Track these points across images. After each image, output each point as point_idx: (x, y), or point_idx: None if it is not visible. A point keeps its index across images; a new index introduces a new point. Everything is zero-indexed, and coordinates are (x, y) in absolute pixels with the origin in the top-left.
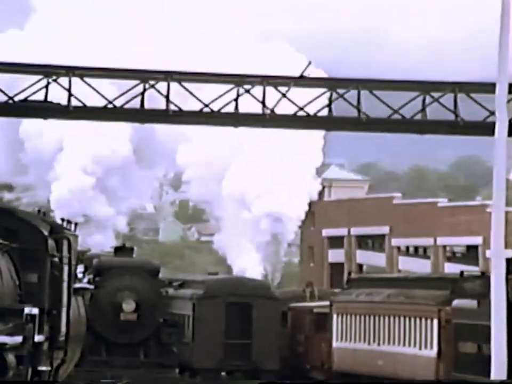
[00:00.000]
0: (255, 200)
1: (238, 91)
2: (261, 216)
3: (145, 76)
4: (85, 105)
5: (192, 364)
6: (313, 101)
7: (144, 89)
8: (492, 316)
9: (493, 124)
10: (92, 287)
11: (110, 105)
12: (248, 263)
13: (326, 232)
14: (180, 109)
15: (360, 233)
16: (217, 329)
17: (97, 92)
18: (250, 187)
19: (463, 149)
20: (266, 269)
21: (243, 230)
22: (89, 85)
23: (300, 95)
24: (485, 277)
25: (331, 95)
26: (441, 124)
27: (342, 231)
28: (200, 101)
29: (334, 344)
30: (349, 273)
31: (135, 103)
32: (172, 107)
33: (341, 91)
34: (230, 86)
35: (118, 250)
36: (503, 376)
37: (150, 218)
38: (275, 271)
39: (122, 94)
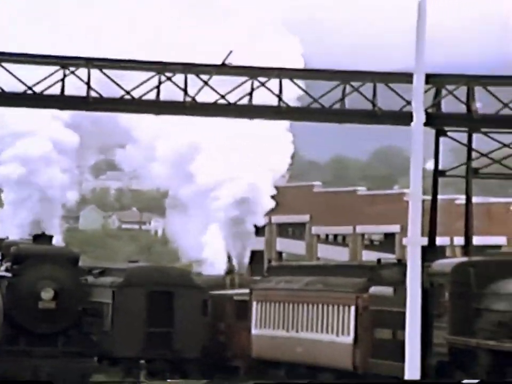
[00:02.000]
0: (219, 185)
1: (159, 78)
2: (226, 201)
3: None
4: (102, 96)
5: (112, 352)
6: (235, 89)
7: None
8: (407, 303)
9: (410, 113)
10: (9, 275)
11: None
12: (210, 251)
13: None
14: (100, 95)
15: (281, 222)
16: (138, 318)
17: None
18: (215, 172)
19: (383, 139)
20: (231, 255)
21: (206, 216)
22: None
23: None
24: (401, 264)
25: (252, 84)
26: (359, 113)
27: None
28: (121, 88)
29: (253, 331)
30: (269, 261)
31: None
32: (93, 94)
33: (263, 80)
34: (151, 74)
35: (37, 238)
36: (417, 362)
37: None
38: (241, 257)
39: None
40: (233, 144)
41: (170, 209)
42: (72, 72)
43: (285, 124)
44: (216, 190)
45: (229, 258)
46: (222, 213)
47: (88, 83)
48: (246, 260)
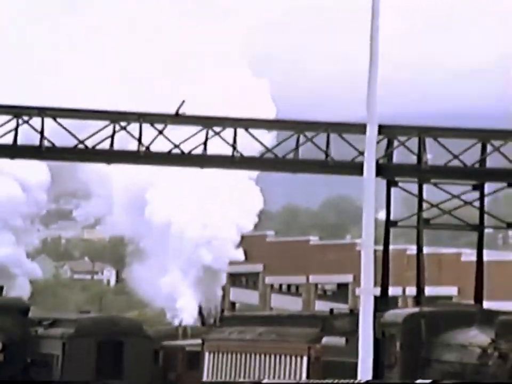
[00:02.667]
0: (184, 227)
1: (114, 127)
2: (192, 244)
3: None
4: (54, 146)
5: None
6: (189, 139)
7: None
8: (359, 353)
9: (362, 163)
10: None
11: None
12: (182, 301)
13: None
14: (53, 145)
15: (235, 271)
16: (87, 369)
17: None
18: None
19: (334, 188)
20: (201, 304)
21: (172, 261)
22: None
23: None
24: (353, 314)
25: (207, 133)
26: (312, 163)
27: None
28: (75, 137)
29: (205, 381)
30: (222, 311)
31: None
32: (46, 143)
33: (218, 129)
34: (105, 123)
35: None
36: None
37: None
38: (212, 306)
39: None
40: (194, 190)
41: (131, 257)
42: (26, 122)
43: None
44: (179, 236)
45: (200, 308)
46: (186, 260)
47: (41, 132)
48: (217, 307)
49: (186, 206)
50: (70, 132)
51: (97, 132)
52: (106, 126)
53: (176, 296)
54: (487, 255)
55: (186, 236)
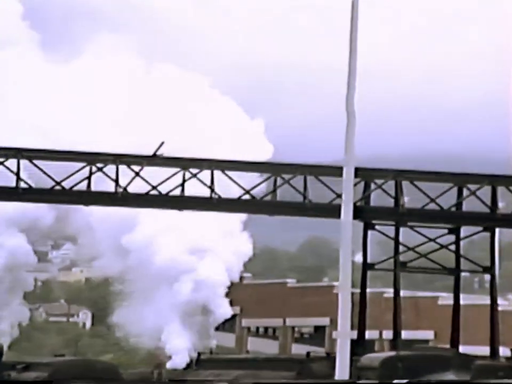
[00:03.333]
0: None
1: (90, 169)
2: (184, 284)
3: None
4: (31, 187)
5: None
6: (166, 180)
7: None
8: None
9: (339, 206)
10: None
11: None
12: (176, 343)
13: None
14: (30, 186)
15: None
16: None
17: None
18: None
19: (311, 230)
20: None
21: (167, 304)
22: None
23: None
24: (330, 358)
25: (184, 175)
26: (290, 205)
27: None
28: (52, 178)
29: None
30: (198, 354)
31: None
32: (22, 184)
33: (194, 171)
34: (82, 164)
35: None
36: None
37: None
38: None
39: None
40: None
41: (117, 297)
42: (1, 163)
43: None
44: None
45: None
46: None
47: (17, 173)
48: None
49: (172, 244)
50: (46, 173)
51: (74, 173)
52: (83, 167)
53: (166, 336)
54: (463, 299)
55: (174, 275)
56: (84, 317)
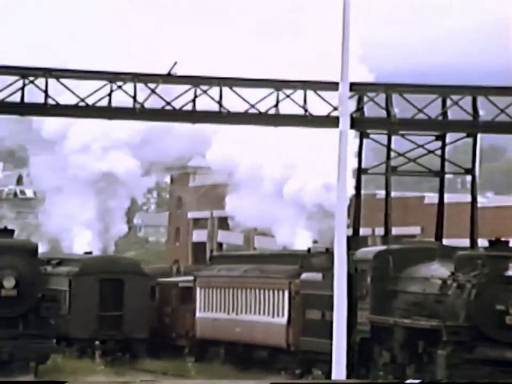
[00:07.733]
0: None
1: (111, 87)
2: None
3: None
4: (58, 104)
5: (68, 334)
6: (180, 96)
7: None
8: (335, 287)
9: (337, 118)
10: None
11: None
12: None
13: (191, 215)
14: (57, 103)
15: (221, 215)
16: (91, 303)
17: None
18: None
19: None
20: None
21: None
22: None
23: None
24: (329, 252)
25: (195, 92)
26: (292, 118)
27: (205, 214)
28: (76, 95)
29: (197, 314)
30: (211, 251)
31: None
32: (50, 101)
33: (205, 88)
34: (104, 83)
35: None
36: (343, 339)
37: None
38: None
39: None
40: None
41: None
42: (32, 82)
43: None
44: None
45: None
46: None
47: (46, 91)
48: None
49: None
50: (71, 91)
51: (96, 91)
52: (104, 86)
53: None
54: (447, 198)
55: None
56: None
